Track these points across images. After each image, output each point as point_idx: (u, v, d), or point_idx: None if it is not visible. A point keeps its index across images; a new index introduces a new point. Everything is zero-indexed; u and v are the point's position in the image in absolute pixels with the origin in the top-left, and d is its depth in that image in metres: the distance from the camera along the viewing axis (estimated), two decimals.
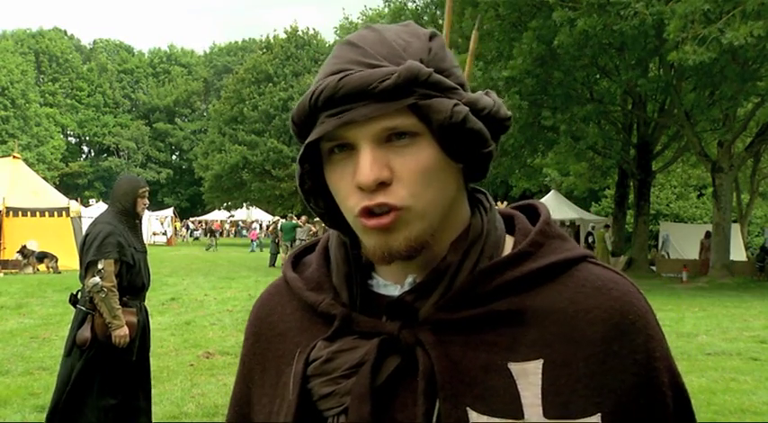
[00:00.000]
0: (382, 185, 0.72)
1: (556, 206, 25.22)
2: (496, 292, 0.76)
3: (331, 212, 0.81)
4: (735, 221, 23.67)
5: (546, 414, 0.72)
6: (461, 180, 0.80)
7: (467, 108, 0.74)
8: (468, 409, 0.73)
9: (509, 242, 0.83)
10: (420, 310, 0.77)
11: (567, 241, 0.82)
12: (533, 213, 0.87)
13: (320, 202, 0.82)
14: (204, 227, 39.26)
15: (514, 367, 0.74)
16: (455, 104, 0.73)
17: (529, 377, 0.73)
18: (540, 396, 0.72)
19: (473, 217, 0.82)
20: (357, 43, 0.76)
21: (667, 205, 33.59)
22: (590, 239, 21.86)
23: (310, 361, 0.78)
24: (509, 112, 0.79)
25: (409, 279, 0.80)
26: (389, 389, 0.75)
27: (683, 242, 24.55)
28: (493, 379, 0.74)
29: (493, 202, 0.86)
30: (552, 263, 0.78)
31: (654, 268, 21.56)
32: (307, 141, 0.75)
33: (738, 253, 22.40)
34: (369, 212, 0.73)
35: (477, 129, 0.75)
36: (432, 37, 0.78)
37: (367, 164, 0.71)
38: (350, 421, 0.74)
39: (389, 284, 0.82)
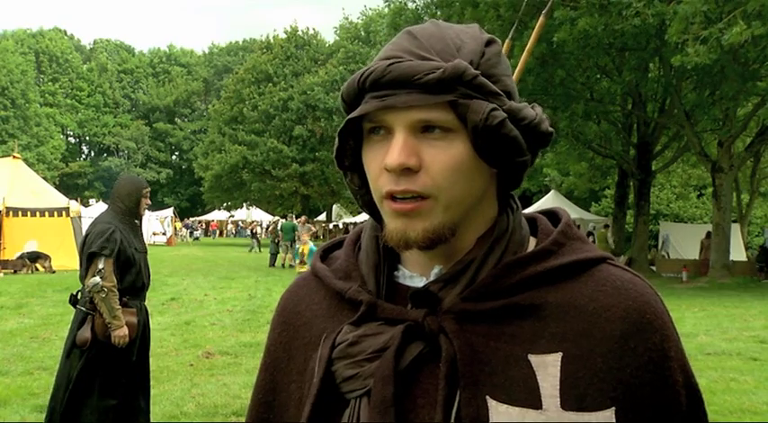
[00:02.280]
0: (409, 172, 0.75)
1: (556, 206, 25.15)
2: (519, 285, 0.79)
3: (364, 190, 0.84)
4: (735, 221, 23.67)
5: (563, 405, 0.74)
6: (494, 184, 0.83)
7: (505, 114, 0.76)
8: (487, 397, 0.75)
9: (532, 243, 0.85)
10: (444, 300, 0.79)
11: (587, 243, 0.85)
12: (554, 219, 0.90)
13: (356, 178, 0.85)
14: (250, 228, 39.17)
15: (534, 359, 0.76)
16: (493, 108, 0.75)
17: (548, 369, 0.75)
18: (558, 388, 0.74)
19: (500, 216, 0.84)
20: (415, 34, 0.79)
21: (667, 205, 33.59)
22: (591, 239, 21.85)
23: (336, 344, 0.80)
24: (551, 128, 0.81)
25: (435, 270, 0.82)
26: (412, 374, 0.77)
27: (683, 242, 24.55)
28: (513, 369, 0.76)
29: (519, 204, 0.88)
30: (573, 261, 0.80)
31: (654, 268, 21.55)
32: (348, 117, 0.79)
33: (738, 253, 22.40)
34: (394, 197, 0.77)
35: (513, 136, 0.77)
36: (489, 43, 0.81)
37: (397, 148, 0.75)
38: (372, 403, 0.75)
39: (415, 276, 0.84)
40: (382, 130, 0.77)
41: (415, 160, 0.75)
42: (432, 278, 0.82)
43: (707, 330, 9.76)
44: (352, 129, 0.80)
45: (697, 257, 21.29)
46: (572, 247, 0.82)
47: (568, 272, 0.80)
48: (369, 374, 0.77)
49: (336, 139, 0.83)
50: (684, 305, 12.73)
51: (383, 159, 0.76)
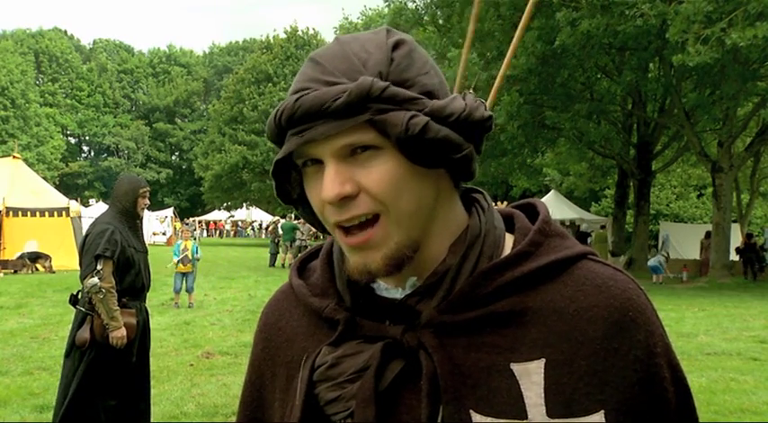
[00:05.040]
0: (348, 199, 0.73)
1: (556, 206, 25.20)
2: (497, 292, 0.76)
3: (318, 219, 0.82)
4: (735, 221, 23.67)
5: (549, 413, 0.72)
6: (446, 183, 0.80)
7: (426, 118, 0.73)
8: (471, 411, 0.73)
9: (509, 241, 0.83)
10: (422, 313, 0.77)
11: (567, 239, 0.82)
12: (533, 212, 0.87)
13: (307, 208, 0.83)
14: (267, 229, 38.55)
15: (517, 368, 0.74)
16: (412, 116, 0.72)
17: (531, 377, 0.74)
18: (542, 396, 0.73)
19: (471, 218, 0.82)
20: (318, 60, 0.77)
21: (667, 205, 33.60)
22: (588, 240, 21.93)
23: (316, 366, 0.79)
24: (487, 112, 0.78)
25: (410, 281, 0.80)
26: (394, 392, 0.76)
27: (683, 242, 24.54)
28: (495, 380, 0.74)
29: (491, 202, 0.86)
30: (552, 261, 0.78)
31: None
32: (274, 159, 0.78)
33: None
34: (344, 229, 0.75)
35: (441, 137, 0.73)
36: (396, 46, 0.77)
37: (329, 180, 0.73)
38: None
39: (391, 288, 0.82)
40: (315, 161, 0.76)
41: (350, 187, 0.73)
42: (407, 290, 0.80)
43: (707, 330, 9.76)
44: (289, 163, 0.79)
45: (697, 257, 21.29)
46: (550, 245, 0.80)
47: (547, 273, 0.77)
48: (351, 396, 0.75)
49: (273, 181, 0.81)
50: (684, 305, 12.73)
51: (321, 192, 0.74)
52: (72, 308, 4.05)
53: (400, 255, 0.75)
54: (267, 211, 47.80)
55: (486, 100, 0.85)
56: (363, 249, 0.75)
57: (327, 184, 0.73)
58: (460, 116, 0.75)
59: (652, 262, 19.23)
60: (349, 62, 0.75)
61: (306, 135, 0.73)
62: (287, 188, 0.82)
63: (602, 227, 23.77)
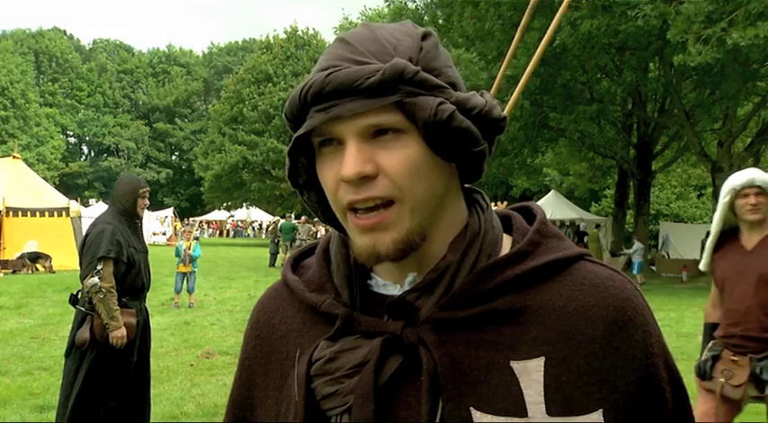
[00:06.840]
0: (367, 179, 0.73)
1: (556, 206, 25.18)
2: (497, 290, 0.77)
3: (323, 206, 0.82)
4: None
5: (549, 411, 0.73)
6: (455, 179, 0.80)
7: (453, 107, 0.74)
8: (471, 408, 0.73)
9: (507, 242, 0.83)
10: (421, 310, 0.77)
11: (564, 240, 0.83)
12: (529, 214, 0.87)
13: (313, 195, 0.83)
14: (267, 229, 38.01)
15: (516, 365, 0.74)
16: (440, 103, 0.73)
17: (531, 375, 0.74)
18: (542, 393, 0.73)
19: (470, 216, 0.82)
20: (349, 40, 0.77)
21: (667, 205, 33.60)
22: (585, 239, 21.94)
23: (313, 361, 0.79)
24: (503, 113, 0.79)
25: (409, 278, 0.80)
26: (392, 388, 0.75)
27: (683, 242, 24.55)
28: (495, 378, 0.74)
29: (489, 202, 0.86)
30: (551, 261, 0.78)
31: (654, 268, 21.55)
32: (295, 135, 0.77)
33: None
34: (356, 210, 0.74)
35: (464, 127, 0.75)
36: (425, 36, 0.78)
37: (351, 158, 0.72)
38: (353, 420, 0.74)
39: (389, 284, 0.82)
40: (333, 141, 0.75)
41: (371, 167, 0.73)
42: (406, 286, 0.80)
43: None
44: (302, 146, 0.78)
45: (697, 257, 21.27)
46: (548, 245, 0.80)
47: (546, 272, 0.78)
48: (348, 391, 0.75)
49: (287, 160, 0.80)
50: (684, 305, 12.73)
51: (338, 171, 0.74)
52: (72, 308, 4.06)
53: (410, 241, 0.75)
54: (267, 211, 47.79)
55: None
56: (374, 231, 0.75)
57: (349, 162, 0.72)
58: (482, 111, 0.76)
59: (636, 258, 18.26)
60: (379, 44, 0.76)
61: (333, 111, 0.72)
62: (296, 172, 0.82)
63: (597, 226, 23.80)
